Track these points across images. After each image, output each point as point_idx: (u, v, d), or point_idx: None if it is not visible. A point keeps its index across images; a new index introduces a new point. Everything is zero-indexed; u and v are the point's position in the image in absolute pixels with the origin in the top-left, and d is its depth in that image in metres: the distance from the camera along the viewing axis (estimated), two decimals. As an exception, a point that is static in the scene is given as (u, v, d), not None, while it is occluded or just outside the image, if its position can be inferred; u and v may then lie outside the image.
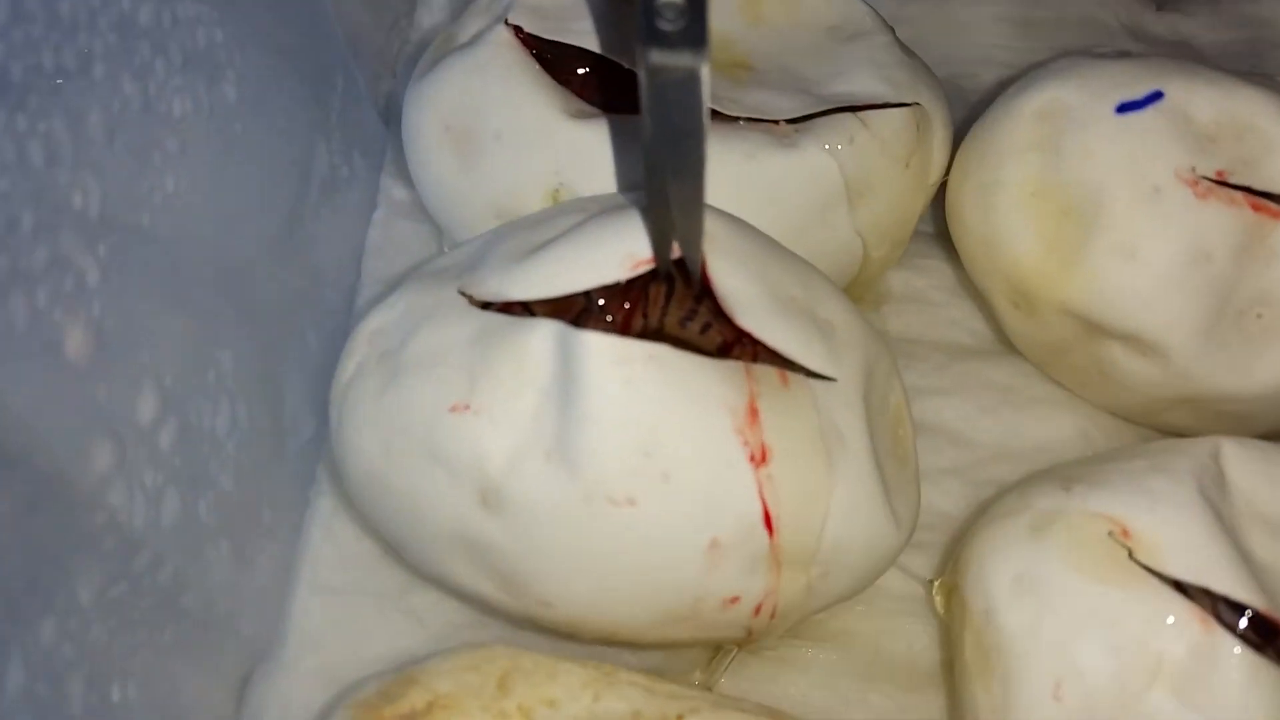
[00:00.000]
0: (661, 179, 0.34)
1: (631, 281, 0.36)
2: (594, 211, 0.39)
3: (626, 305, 0.36)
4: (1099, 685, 0.34)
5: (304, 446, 0.42)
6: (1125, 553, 0.35)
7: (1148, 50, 0.57)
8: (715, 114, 0.43)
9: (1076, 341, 0.43)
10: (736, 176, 0.42)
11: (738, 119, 0.44)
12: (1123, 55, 0.45)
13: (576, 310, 0.36)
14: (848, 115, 0.44)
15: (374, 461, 0.38)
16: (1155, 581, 0.34)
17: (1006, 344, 0.48)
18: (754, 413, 0.34)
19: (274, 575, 0.41)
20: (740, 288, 0.36)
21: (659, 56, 0.31)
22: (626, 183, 0.42)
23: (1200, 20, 0.59)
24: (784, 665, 0.41)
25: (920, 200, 0.46)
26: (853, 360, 0.37)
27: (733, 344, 0.36)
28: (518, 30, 0.44)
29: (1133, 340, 0.41)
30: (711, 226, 0.37)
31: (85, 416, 0.30)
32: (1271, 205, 0.40)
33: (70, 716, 0.29)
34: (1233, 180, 0.40)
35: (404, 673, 0.35)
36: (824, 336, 0.37)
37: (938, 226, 0.51)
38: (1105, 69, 0.43)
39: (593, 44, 0.44)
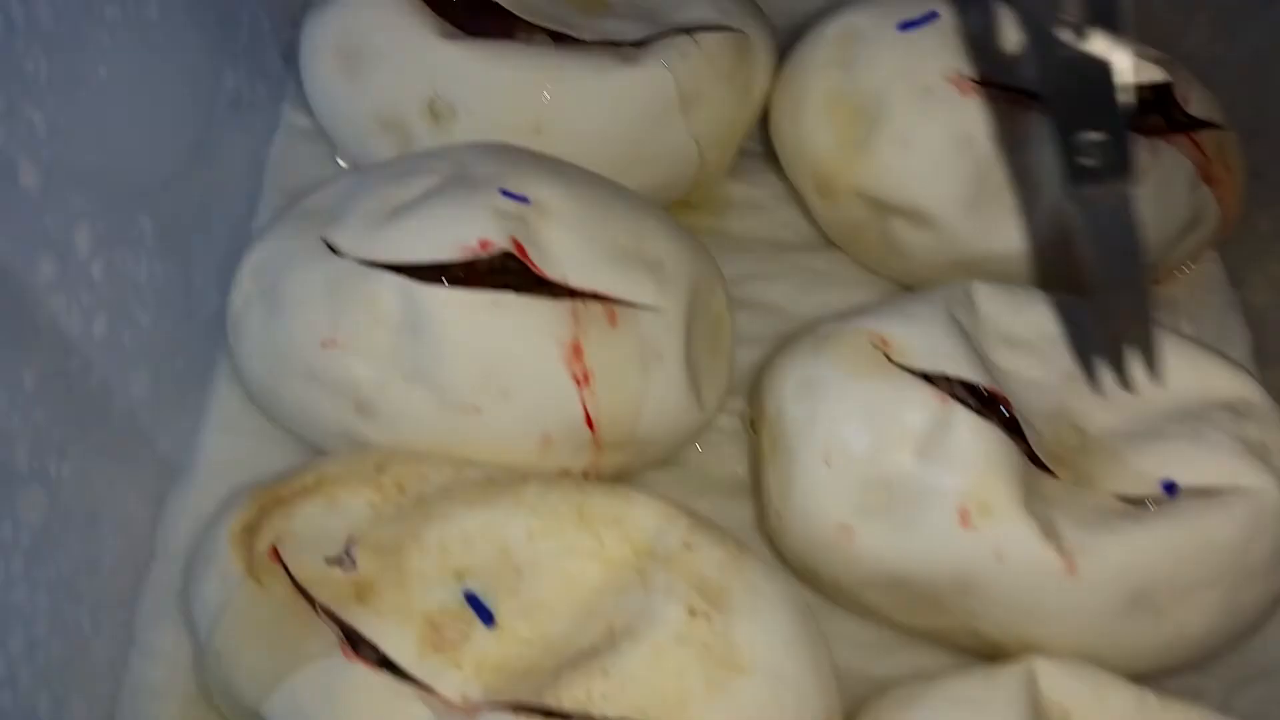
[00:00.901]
0: (1109, 296, 0.41)
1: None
2: (444, 175, 0.47)
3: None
4: (859, 452, 0.43)
5: (210, 317, 0.50)
6: (883, 356, 0.45)
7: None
8: (569, 39, 0.53)
9: (870, 220, 0.53)
10: (588, 90, 0.52)
11: (590, 42, 0.53)
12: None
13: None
14: (683, 36, 0.53)
15: (265, 380, 0.48)
16: (906, 375, 0.44)
17: (826, 241, 0.58)
18: (578, 349, 0.44)
19: (187, 413, 0.50)
20: (570, 250, 0.45)
21: (1088, 190, 0.38)
22: (491, 95, 0.52)
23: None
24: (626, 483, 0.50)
25: (746, 112, 0.56)
26: (678, 289, 0.47)
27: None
28: (402, -35, 0.53)
29: (912, 214, 0.51)
30: (546, 196, 0.46)
31: (35, 234, 0.38)
32: (1022, 98, 0.50)
33: (17, 474, 0.38)
34: (991, 79, 0.50)
35: (297, 466, 0.44)
36: (653, 274, 0.47)
37: (768, 148, 0.60)
38: (895, -4, 0.54)
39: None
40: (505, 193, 0.46)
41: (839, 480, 0.44)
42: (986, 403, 0.43)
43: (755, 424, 0.50)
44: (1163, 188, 0.50)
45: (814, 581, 0.47)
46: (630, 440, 0.46)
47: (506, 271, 0.44)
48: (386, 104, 0.53)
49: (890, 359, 0.44)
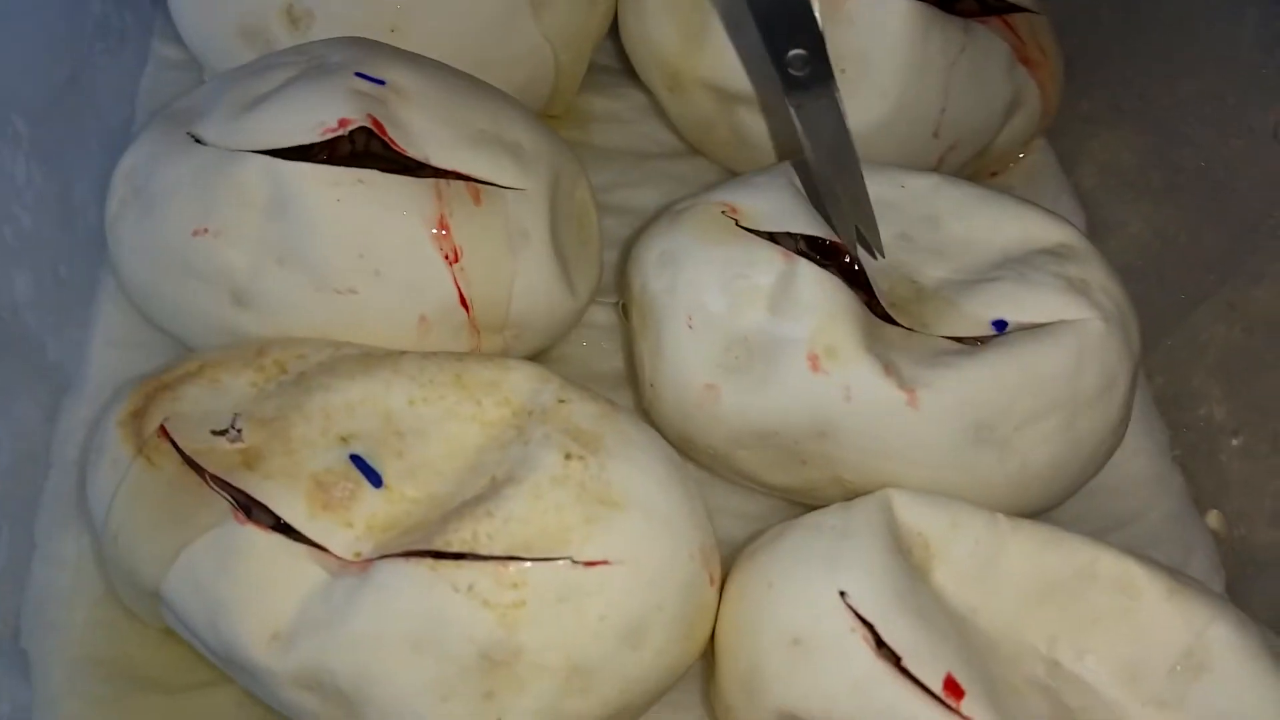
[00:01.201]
0: (831, 185, 0.46)
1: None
2: (302, 67, 0.49)
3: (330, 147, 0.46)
4: (717, 312, 0.47)
5: (90, 231, 0.52)
6: (733, 223, 0.48)
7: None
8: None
9: (718, 113, 0.57)
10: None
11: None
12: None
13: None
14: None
15: (143, 279, 0.49)
16: (754, 238, 0.47)
17: (686, 148, 0.62)
18: (444, 225, 0.46)
19: (74, 325, 0.51)
20: (430, 130, 0.48)
21: (801, 98, 0.44)
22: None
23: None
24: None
25: (596, 13, 0.59)
26: (539, 171, 0.50)
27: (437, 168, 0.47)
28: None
29: (752, 100, 0.55)
30: (405, 80, 0.48)
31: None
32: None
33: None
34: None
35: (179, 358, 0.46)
36: (514, 156, 0.49)
37: (626, 64, 0.63)
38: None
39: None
40: (361, 74, 0.48)
41: (702, 342, 0.47)
42: (829, 256, 0.47)
43: (626, 309, 0.53)
44: (979, 65, 0.54)
45: (692, 452, 0.50)
46: (506, 323, 0.49)
47: (369, 155, 0.46)
48: (246, 11, 0.54)
49: (740, 225, 0.48)
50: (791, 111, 0.44)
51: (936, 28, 0.53)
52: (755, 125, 0.56)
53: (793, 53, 0.44)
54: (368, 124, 0.46)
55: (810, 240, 0.47)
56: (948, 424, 0.45)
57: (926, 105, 0.53)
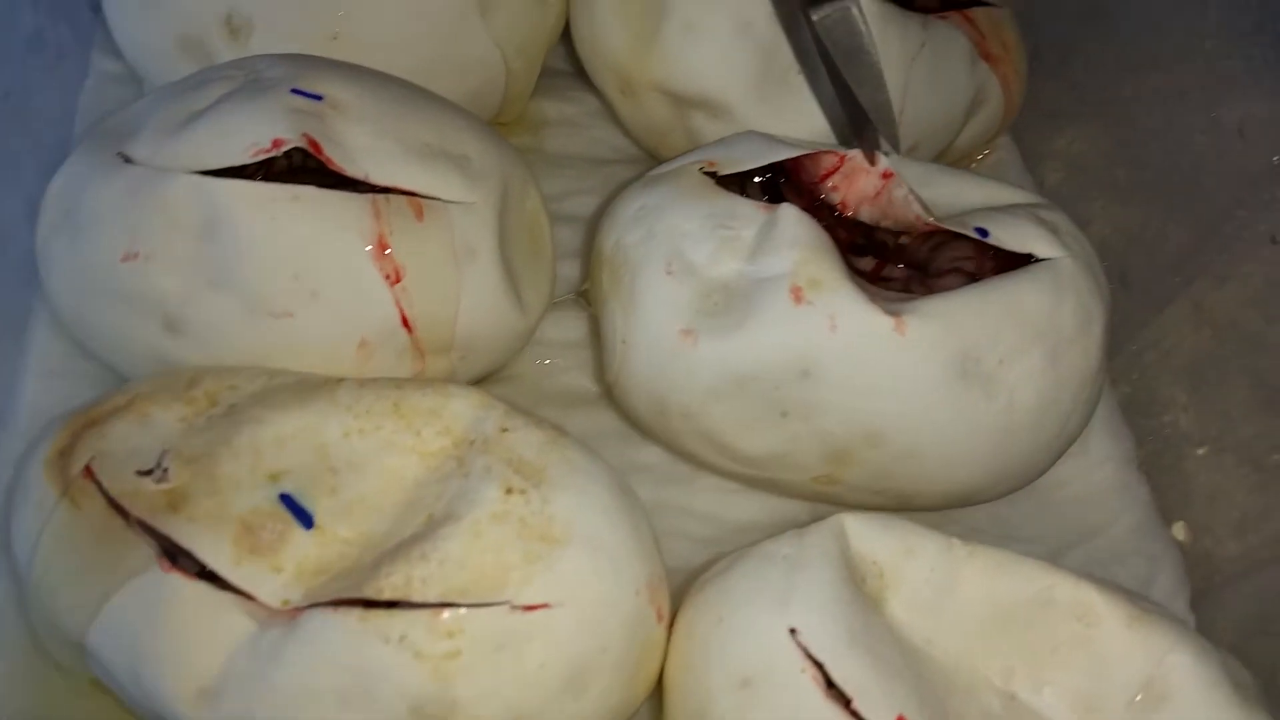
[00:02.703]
0: (850, 90, 0.45)
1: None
2: (238, 82, 0.45)
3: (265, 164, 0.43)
4: (697, 261, 0.44)
5: (23, 256, 0.47)
6: (711, 178, 0.46)
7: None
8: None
9: (673, 118, 0.53)
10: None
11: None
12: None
13: None
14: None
15: (73, 305, 0.45)
16: (736, 196, 0.46)
17: (642, 154, 0.58)
18: (384, 243, 0.42)
19: (4, 360, 0.48)
20: (370, 146, 0.44)
21: (820, 12, 0.45)
22: (285, 6, 0.50)
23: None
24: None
25: (547, 16, 0.55)
26: (487, 183, 0.46)
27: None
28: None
29: (706, 104, 0.51)
30: (344, 94, 0.45)
31: None
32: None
33: None
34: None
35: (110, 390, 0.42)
36: (460, 168, 0.45)
37: (579, 68, 0.59)
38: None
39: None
40: (297, 91, 0.44)
41: (680, 288, 0.44)
42: (794, 181, 0.47)
43: (589, 291, 0.50)
44: (939, 62, 0.51)
45: (664, 419, 0.47)
46: (452, 344, 0.45)
47: (306, 171, 0.42)
48: (184, 22, 0.50)
49: (717, 179, 0.46)
50: (811, 24, 0.44)
51: (895, 24, 0.49)
52: (711, 130, 0.52)
53: None
54: (303, 144, 0.42)
55: (780, 168, 0.47)
56: (935, 354, 0.42)
57: (885, 105, 0.50)
